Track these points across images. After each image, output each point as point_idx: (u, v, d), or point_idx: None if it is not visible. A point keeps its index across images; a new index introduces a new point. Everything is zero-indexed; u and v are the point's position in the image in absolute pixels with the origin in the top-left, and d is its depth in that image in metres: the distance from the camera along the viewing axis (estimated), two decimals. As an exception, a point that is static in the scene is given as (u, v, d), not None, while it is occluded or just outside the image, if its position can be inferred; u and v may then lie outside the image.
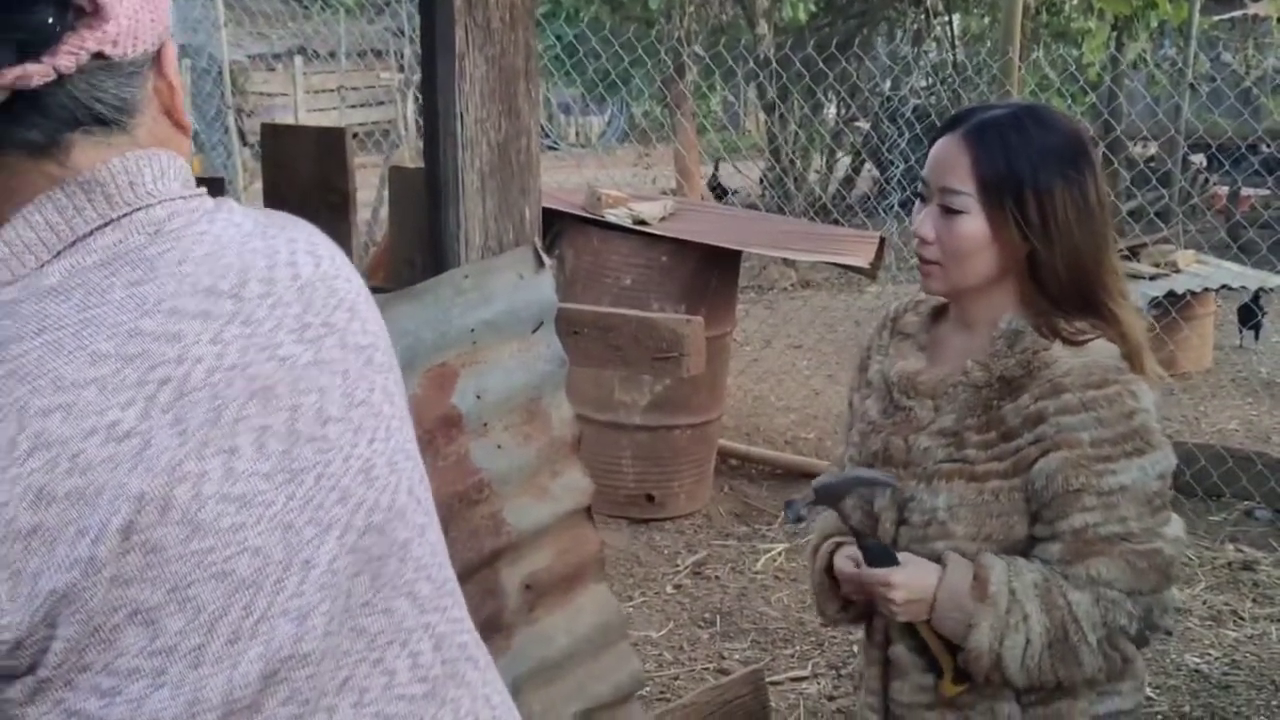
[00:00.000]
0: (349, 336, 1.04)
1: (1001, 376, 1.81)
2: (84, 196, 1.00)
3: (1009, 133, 1.82)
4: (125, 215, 1.01)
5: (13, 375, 0.93)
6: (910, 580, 1.81)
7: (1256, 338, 7.57)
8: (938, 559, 1.80)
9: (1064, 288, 1.82)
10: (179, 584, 0.95)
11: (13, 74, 0.95)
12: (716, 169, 11.70)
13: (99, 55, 0.99)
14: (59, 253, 0.99)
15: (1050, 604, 1.76)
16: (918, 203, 1.93)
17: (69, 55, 0.97)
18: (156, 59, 1.05)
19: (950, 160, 1.84)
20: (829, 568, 1.94)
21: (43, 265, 0.98)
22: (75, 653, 0.94)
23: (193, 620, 0.96)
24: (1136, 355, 1.82)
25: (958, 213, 1.83)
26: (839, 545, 1.94)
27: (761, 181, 10.94)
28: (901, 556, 1.82)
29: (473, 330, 1.92)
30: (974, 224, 1.82)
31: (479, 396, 1.90)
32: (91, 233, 0.99)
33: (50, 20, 0.96)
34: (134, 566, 0.93)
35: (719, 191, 11.35)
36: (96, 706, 0.95)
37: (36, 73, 0.96)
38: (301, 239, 1.07)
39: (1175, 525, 1.83)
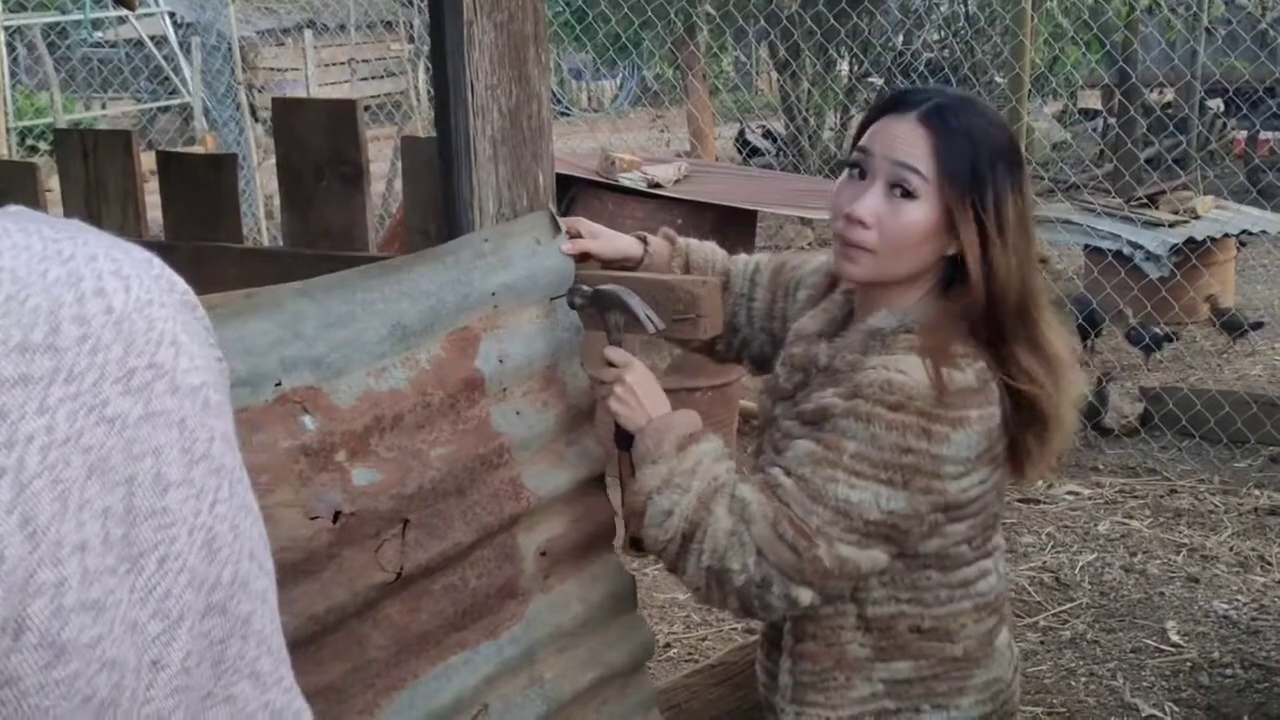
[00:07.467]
0: (179, 377, 0.83)
1: (829, 366, 1.74)
2: None
3: (971, 121, 1.66)
4: None
5: None
6: (645, 382, 1.81)
7: None
8: None
9: (998, 301, 1.66)
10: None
11: None
12: (742, 131, 11.53)
13: None
14: None
15: (707, 498, 1.70)
16: (845, 175, 1.74)
17: None
18: None
19: (908, 138, 1.65)
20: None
21: None
22: None
23: None
24: (1039, 389, 1.68)
25: (909, 197, 1.65)
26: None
27: (775, 140, 10.89)
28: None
29: (494, 294, 1.91)
30: (922, 212, 1.65)
31: (501, 361, 1.90)
32: None
33: None
34: None
35: (748, 150, 11.27)
36: None
37: None
38: (101, 254, 0.85)
39: (864, 559, 1.67)
